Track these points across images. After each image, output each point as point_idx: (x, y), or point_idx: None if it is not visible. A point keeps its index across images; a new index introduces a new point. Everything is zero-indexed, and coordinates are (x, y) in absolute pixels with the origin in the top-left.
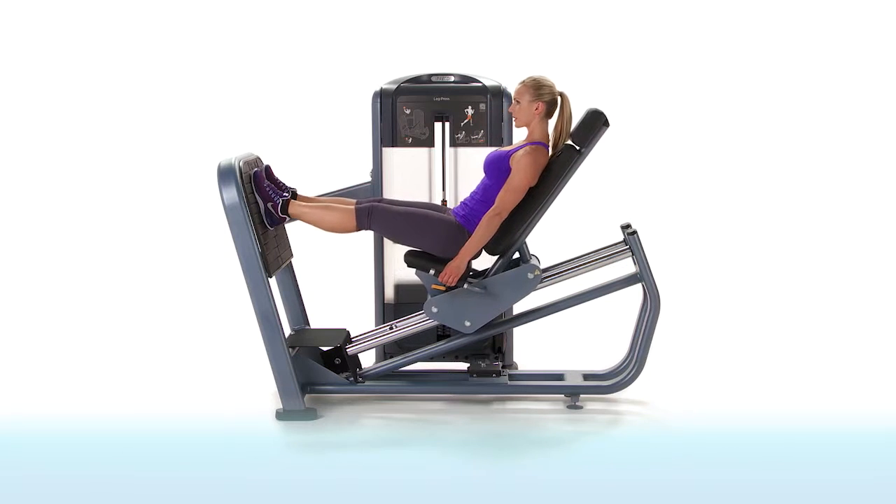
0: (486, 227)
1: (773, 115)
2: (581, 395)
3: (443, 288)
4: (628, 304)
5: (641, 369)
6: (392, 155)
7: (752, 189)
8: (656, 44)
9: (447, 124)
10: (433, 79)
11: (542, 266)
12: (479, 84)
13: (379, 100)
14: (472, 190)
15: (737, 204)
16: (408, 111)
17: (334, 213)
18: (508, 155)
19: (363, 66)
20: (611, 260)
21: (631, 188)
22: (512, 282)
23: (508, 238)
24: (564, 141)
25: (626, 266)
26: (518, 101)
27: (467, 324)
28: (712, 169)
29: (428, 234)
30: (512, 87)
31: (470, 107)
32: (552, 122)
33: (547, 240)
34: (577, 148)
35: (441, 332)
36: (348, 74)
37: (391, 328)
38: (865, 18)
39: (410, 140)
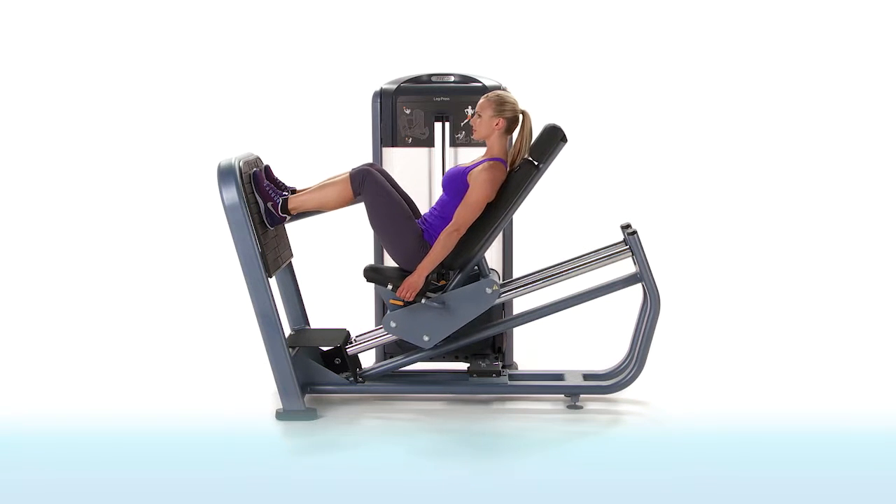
0: (444, 242)
1: (773, 115)
2: (581, 395)
3: (401, 303)
4: (628, 304)
5: (641, 369)
6: (392, 155)
7: (752, 189)
8: (657, 43)
9: (447, 124)
10: (433, 79)
11: (543, 266)
12: (479, 84)
13: (379, 100)
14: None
15: (737, 204)
16: (408, 111)
17: (332, 188)
18: (466, 171)
19: (363, 66)
20: (611, 260)
21: (631, 188)
22: (470, 296)
23: (466, 253)
24: (523, 157)
25: (626, 266)
26: (479, 115)
27: (426, 338)
28: (712, 169)
29: (402, 234)
30: (512, 88)
31: (470, 107)
32: (513, 139)
33: (547, 240)
34: (536, 163)
35: None
36: (348, 74)
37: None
38: (865, 18)
39: (410, 140)
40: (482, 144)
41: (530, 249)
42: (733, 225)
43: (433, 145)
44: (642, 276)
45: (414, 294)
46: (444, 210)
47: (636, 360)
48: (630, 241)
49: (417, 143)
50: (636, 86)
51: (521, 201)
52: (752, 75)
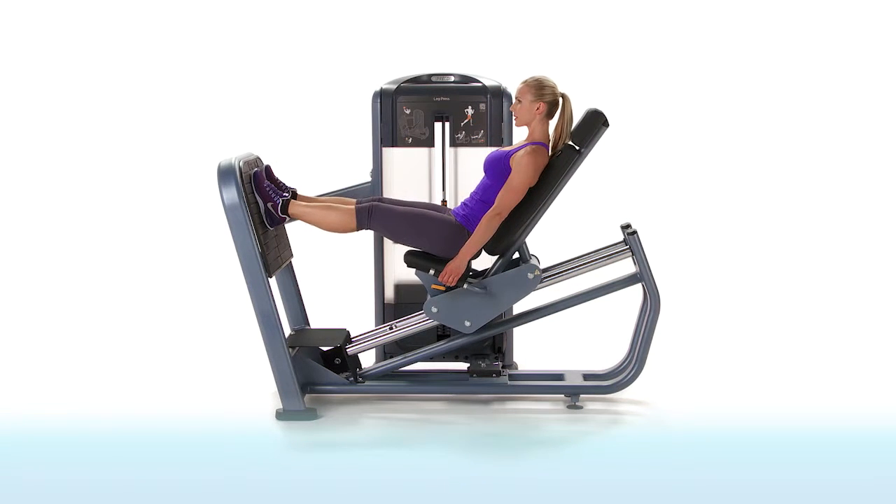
0: (486, 227)
1: (773, 115)
2: (581, 395)
3: (442, 288)
4: (628, 304)
5: (641, 369)
6: (392, 155)
7: (752, 189)
8: (656, 43)
9: (447, 124)
10: (433, 79)
11: (542, 266)
12: (479, 84)
13: (379, 100)
14: (472, 190)
15: (737, 204)
16: (408, 111)
17: (335, 212)
18: (509, 155)
19: (363, 66)
20: (611, 260)
21: (631, 188)
22: (512, 282)
23: (508, 238)
24: (564, 141)
25: (626, 266)
26: (519, 101)
27: (467, 324)
28: (712, 169)
29: (428, 234)
30: (512, 87)
31: (470, 107)
32: (553, 123)
33: (547, 240)
34: (577, 148)
35: (441, 332)
36: (348, 74)
37: (391, 328)
38: (865, 18)
39: (410, 140)
40: (483, 144)
41: (531, 249)
42: (734, 225)
43: (433, 145)
44: (642, 276)
45: (456, 279)
46: (486, 194)
47: (636, 360)
48: (630, 241)
49: (417, 143)
50: (636, 86)
51: (563, 186)
52: (752, 75)
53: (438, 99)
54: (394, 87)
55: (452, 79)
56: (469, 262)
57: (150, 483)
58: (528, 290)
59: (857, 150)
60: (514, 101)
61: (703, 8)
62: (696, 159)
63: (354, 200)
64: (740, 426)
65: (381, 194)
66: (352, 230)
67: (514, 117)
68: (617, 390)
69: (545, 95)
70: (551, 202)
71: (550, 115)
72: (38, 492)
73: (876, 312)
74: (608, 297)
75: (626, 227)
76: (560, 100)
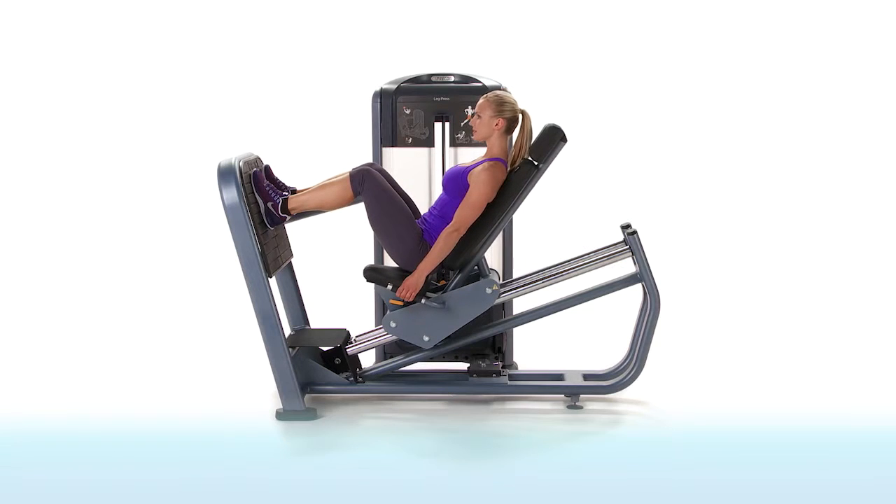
0: (444, 242)
1: (773, 114)
2: (581, 395)
3: (401, 303)
4: (628, 304)
5: (641, 369)
6: (392, 155)
7: (752, 189)
8: (657, 43)
9: (447, 124)
10: (433, 79)
11: (543, 266)
12: (479, 84)
13: (379, 100)
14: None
15: (737, 204)
16: (408, 111)
17: (330, 188)
18: (466, 171)
19: (363, 66)
20: (611, 260)
21: (631, 188)
22: (470, 296)
23: (467, 253)
24: (523, 157)
25: (626, 266)
26: (479, 116)
27: (426, 339)
28: (712, 169)
29: (400, 234)
30: (512, 87)
31: (470, 107)
32: (513, 139)
33: (547, 240)
34: (535, 163)
35: None
36: (348, 74)
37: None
38: (865, 18)
39: (410, 140)
40: (482, 144)
41: (530, 249)
42: (733, 225)
43: (433, 145)
44: (642, 276)
45: (414, 294)
46: (444, 210)
47: (636, 360)
48: (630, 241)
49: (417, 143)
50: (636, 85)
51: (521, 201)
52: (751, 75)
53: (438, 99)
54: (394, 87)
55: (452, 79)
56: (427, 277)
57: (151, 483)
58: (487, 305)
59: (856, 150)
60: (474, 114)
61: (705, 7)
62: (695, 159)
63: (347, 171)
64: (740, 426)
65: None
66: (351, 199)
67: (472, 130)
68: (617, 390)
69: (505, 112)
70: (510, 217)
71: (510, 131)
72: (38, 492)
73: (876, 312)
74: (608, 297)
75: (626, 227)
76: (520, 116)
